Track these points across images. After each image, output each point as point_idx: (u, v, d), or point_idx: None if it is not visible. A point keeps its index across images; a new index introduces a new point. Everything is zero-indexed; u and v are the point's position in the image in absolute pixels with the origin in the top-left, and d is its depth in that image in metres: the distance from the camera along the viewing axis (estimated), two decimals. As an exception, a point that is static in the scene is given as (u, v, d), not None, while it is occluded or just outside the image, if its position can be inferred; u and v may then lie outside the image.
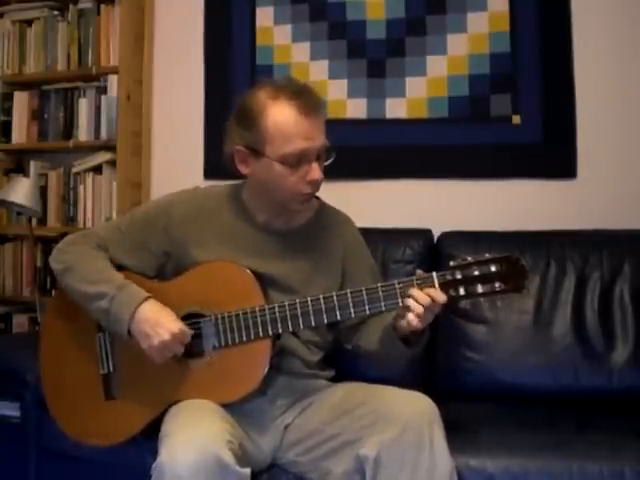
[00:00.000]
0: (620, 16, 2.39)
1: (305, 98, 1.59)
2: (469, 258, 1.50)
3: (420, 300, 1.48)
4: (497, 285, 1.48)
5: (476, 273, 1.49)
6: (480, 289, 1.49)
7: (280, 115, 1.57)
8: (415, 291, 1.49)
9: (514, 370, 2.06)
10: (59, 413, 1.75)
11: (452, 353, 2.13)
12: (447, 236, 2.28)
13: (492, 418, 1.87)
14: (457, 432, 1.53)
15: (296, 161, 1.58)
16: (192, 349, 1.62)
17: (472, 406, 1.97)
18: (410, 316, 1.49)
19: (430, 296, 1.48)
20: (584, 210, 2.38)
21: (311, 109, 1.58)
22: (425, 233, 2.31)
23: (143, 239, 1.71)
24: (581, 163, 2.42)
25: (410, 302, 1.49)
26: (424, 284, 1.50)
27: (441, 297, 1.48)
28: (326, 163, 1.63)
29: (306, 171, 1.59)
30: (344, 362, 1.83)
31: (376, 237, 2.14)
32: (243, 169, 1.66)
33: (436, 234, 2.31)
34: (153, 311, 1.58)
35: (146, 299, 1.59)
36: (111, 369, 1.70)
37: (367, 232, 1.87)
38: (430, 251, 2.26)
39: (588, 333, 2.05)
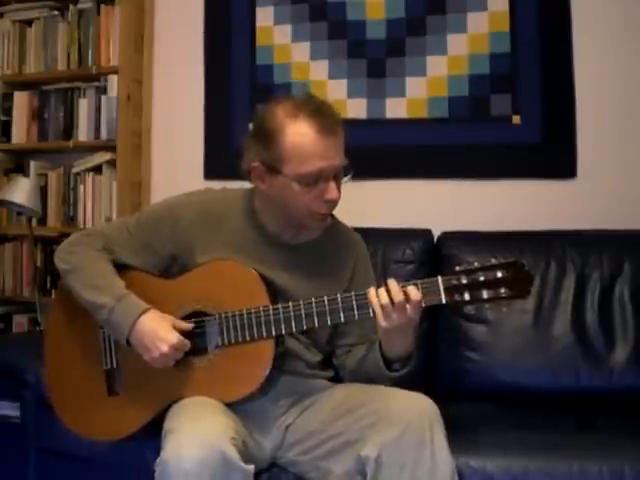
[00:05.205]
0: (620, 16, 2.39)
1: (324, 117, 1.56)
2: (475, 263, 1.49)
3: (391, 290, 1.47)
4: (502, 291, 1.47)
5: (482, 279, 1.47)
6: (485, 295, 1.48)
7: (298, 135, 1.55)
8: (390, 282, 1.49)
9: (514, 370, 2.06)
10: (63, 409, 1.74)
11: (452, 353, 2.13)
12: (447, 236, 2.28)
13: (492, 418, 1.87)
14: (457, 432, 1.53)
15: (313, 180, 1.56)
16: (195, 347, 1.61)
17: (472, 406, 1.97)
18: (377, 309, 1.48)
19: (404, 291, 1.47)
20: (584, 210, 2.38)
21: (330, 128, 1.56)
22: (425, 233, 2.31)
23: (150, 241, 1.70)
24: (581, 163, 2.42)
25: (376, 291, 1.49)
26: (428, 288, 1.49)
27: (415, 294, 1.46)
28: (344, 180, 1.61)
29: (323, 190, 1.57)
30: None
31: (376, 237, 2.14)
32: (260, 185, 1.64)
33: (436, 234, 2.31)
34: (151, 323, 1.57)
35: (144, 311, 1.59)
36: (114, 365, 1.70)
37: (367, 232, 1.87)
38: (430, 251, 2.26)
39: (588, 333, 2.05)
